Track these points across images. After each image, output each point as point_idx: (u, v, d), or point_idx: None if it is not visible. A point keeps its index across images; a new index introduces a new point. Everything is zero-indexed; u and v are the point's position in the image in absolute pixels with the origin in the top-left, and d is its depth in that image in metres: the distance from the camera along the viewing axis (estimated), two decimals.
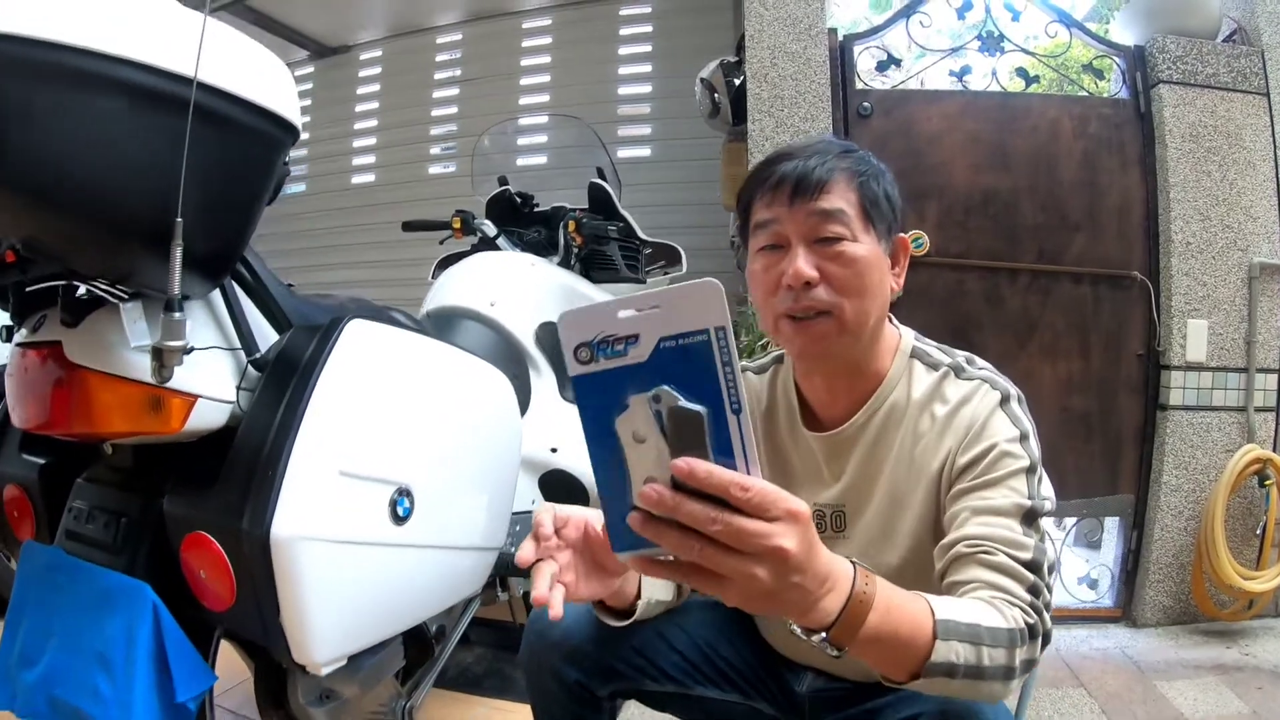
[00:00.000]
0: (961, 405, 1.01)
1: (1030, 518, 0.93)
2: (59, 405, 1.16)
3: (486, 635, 2.39)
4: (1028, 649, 0.84)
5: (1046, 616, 0.89)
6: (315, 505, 1.12)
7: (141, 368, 1.10)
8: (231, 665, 1.51)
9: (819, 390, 1.11)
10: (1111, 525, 2.64)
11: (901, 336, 1.09)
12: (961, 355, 1.07)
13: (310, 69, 4.37)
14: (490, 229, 2.37)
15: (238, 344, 1.22)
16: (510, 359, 1.96)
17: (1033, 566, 0.89)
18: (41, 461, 1.43)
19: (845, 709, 1.12)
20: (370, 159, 4.27)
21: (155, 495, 1.21)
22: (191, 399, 1.14)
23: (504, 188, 2.60)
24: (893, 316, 1.11)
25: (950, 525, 0.97)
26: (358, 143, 4.29)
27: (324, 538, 1.12)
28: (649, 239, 2.57)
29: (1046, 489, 1.00)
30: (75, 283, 1.15)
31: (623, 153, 3.30)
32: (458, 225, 2.39)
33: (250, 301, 1.28)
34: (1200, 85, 2.46)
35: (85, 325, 1.14)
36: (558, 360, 2.15)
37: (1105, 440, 2.52)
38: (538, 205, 2.58)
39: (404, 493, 1.25)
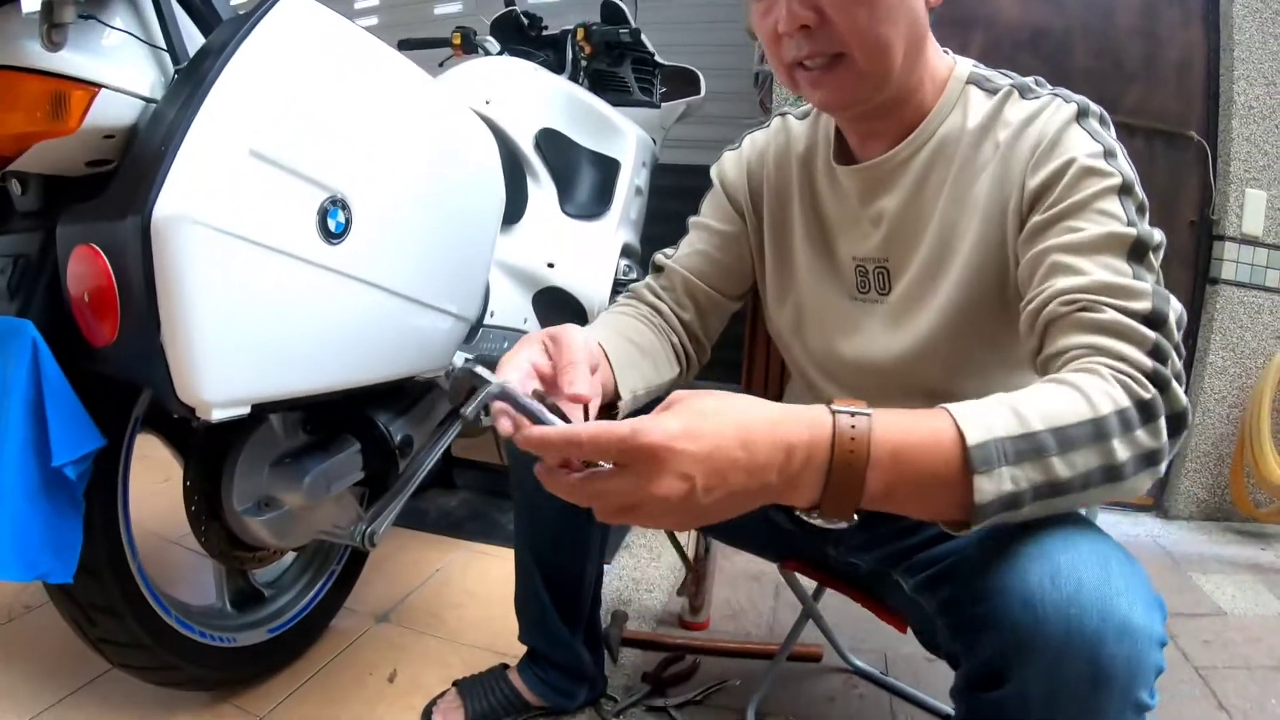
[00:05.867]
0: (1028, 124, 0.82)
1: (1138, 251, 0.71)
2: None
3: (472, 479, 2.24)
4: (1144, 434, 0.63)
5: (1177, 390, 0.65)
6: (212, 184, 0.85)
7: (45, 58, 0.86)
8: None
9: (856, 134, 0.93)
10: None
11: (956, 64, 0.91)
12: (1030, 78, 0.88)
13: None
14: (493, 45, 2.12)
15: (162, 44, 0.98)
16: (505, 164, 1.72)
17: (1152, 320, 0.67)
18: None
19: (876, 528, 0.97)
20: (374, 1, 3.98)
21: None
22: (93, 90, 0.90)
23: (511, 7, 2.34)
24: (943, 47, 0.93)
25: (1032, 281, 0.76)
26: None
27: (221, 227, 0.85)
28: (665, 62, 2.31)
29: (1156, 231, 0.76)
30: None
31: None
32: (457, 41, 2.15)
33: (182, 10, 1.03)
34: None
35: None
36: (559, 170, 1.92)
37: None
38: (547, 28, 2.33)
39: (338, 203, 0.98)
